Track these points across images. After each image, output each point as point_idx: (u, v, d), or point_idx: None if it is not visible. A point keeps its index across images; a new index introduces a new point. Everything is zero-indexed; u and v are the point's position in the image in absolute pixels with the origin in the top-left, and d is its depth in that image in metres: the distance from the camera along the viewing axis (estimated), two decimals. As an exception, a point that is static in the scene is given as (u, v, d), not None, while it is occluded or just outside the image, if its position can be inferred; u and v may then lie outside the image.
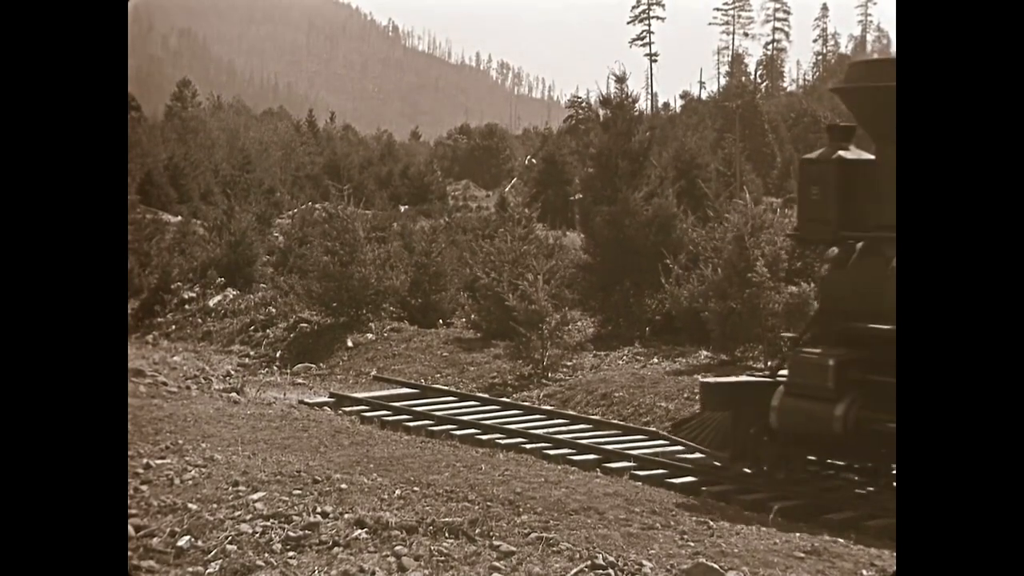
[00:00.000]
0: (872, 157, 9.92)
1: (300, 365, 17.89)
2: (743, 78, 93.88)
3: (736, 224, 15.43)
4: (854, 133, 10.20)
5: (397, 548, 6.10)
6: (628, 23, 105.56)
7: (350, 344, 18.38)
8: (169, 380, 15.22)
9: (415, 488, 7.72)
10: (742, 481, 9.61)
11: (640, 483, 9.15)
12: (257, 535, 6.27)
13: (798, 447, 9.77)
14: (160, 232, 29.22)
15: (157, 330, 22.15)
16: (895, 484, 8.77)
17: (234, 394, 14.60)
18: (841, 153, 9.89)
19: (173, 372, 16.79)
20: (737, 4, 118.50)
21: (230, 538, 6.22)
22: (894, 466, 9.19)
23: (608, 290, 18.23)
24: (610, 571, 5.88)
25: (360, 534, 6.30)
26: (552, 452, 10.88)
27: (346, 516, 6.61)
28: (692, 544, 6.71)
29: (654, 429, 12.13)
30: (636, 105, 20.29)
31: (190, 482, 7.58)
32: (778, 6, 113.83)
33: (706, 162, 37.24)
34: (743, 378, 11.06)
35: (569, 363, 16.12)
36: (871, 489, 9.64)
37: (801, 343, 9.93)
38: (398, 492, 7.49)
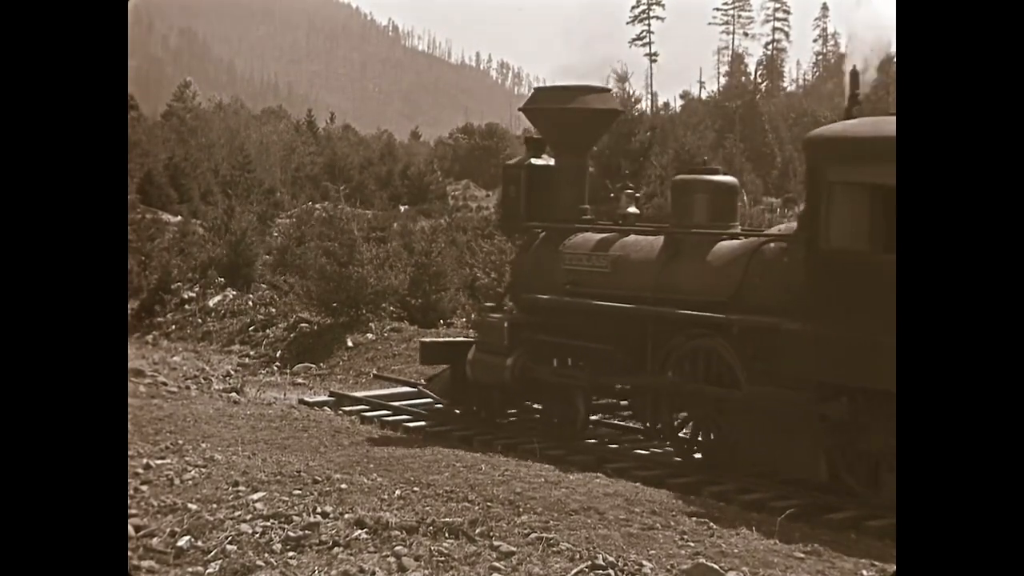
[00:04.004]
0: (553, 163, 12.02)
1: (300, 365, 17.87)
2: (743, 78, 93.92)
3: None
4: (545, 144, 12.26)
5: (397, 548, 6.09)
6: (628, 23, 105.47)
7: (350, 344, 18.36)
8: (169, 380, 15.22)
9: (415, 488, 7.72)
10: (742, 481, 9.65)
11: (639, 483, 9.16)
12: (257, 535, 6.27)
13: (491, 393, 11.80)
14: (160, 232, 29.18)
15: (157, 330, 22.13)
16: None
17: (234, 394, 14.59)
18: (531, 160, 12.13)
19: (173, 372, 16.78)
20: (737, 4, 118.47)
21: (230, 538, 6.22)
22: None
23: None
24: (610, 571, 5.88)
25: (360, 534, 6.30)
26: (552, 451, 10.88)
27: (346, 516, 6.61)
28: (692, 544, 6.70)
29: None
30: (638, 106, 20.30)
31: (190, 482, 7.58)
32: (778, 6, 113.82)
33: (705, 162, 37.13)
34: (456, 339, 13.87)
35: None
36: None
37: (491, 310, 12.25)
38: (398, 492, 7.49)
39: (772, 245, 9.55)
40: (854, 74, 9.33)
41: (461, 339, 13.37)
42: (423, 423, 12.25)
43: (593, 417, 11.65)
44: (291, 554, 6.04)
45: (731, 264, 9.72)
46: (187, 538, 6.26)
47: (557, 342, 11.24)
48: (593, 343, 10.82)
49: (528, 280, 11.76)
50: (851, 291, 8.41)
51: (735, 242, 9.99)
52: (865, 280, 8.28)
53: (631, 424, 11.85)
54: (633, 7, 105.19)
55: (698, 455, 10.14)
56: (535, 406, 11.92)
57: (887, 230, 8.09)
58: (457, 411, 12.31)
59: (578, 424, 11.10)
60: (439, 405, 12.61)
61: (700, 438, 10.09)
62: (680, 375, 10.02)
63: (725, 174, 11.06)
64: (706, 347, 9.77)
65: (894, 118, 8.66)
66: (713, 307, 9.67)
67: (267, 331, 20.21)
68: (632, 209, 11.56)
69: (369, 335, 18.56)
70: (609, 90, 12.40)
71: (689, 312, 9.83)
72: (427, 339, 14.12)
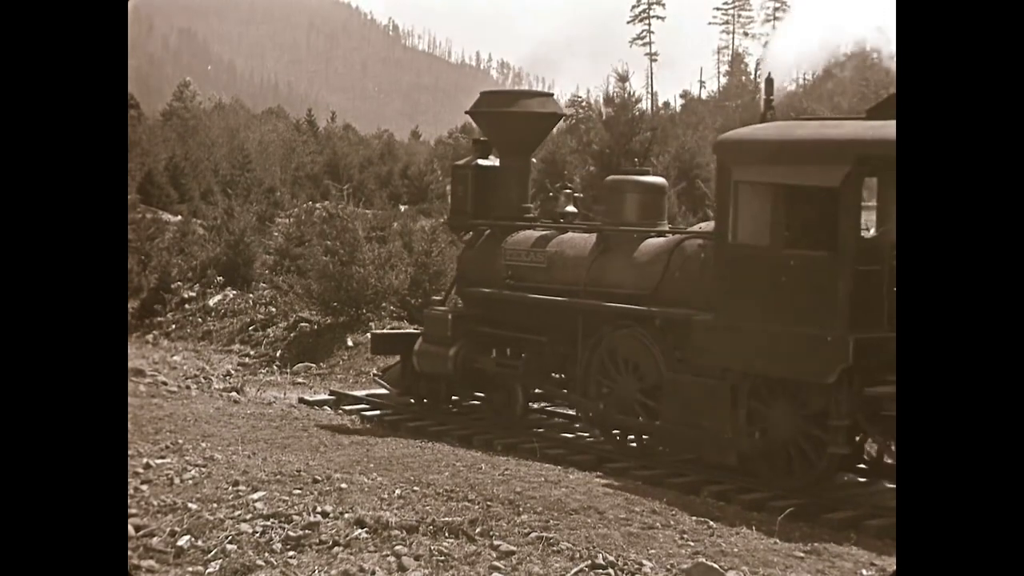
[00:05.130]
0: (498, 164, 12.52)
1: (300, 364, 17.84)
2: (743, 78, 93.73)
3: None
4: (492, 145, 12.75)
5: (397, 548, 6.10)
6: (628, 23, 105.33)
7: (350, 343, 18.34)
8: (169, 379, 15.21)
9: (415, 488, 7.72)
10: (741, 481, 9.67)
11: (639, 483, 9.17)
12: (257, 535, 6.27)
13: (438, 382, 12.37)
14: (160, 232, 29.11)
15: (157, 329, 22.10)
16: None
17: (234, 393, 14.59)
18: (478, 161, 12.63)
19: (173, 371, 16.77)
20: (737, 4, 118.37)
21: (230, 538, 6.23)
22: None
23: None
24: (610, 571, 5.88)
25: (360, 533, 6.31)
26: (552, 451, 10.88)
27: (346, 516, 6.61)
28: (692, 543, 6.71)
29: None
30: (638, 105, 20.28)
31: (190, 482, 7.58)
32: (778, 6, 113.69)
33: (706, 162, 37.05)
34: (406, 330, 14.62)
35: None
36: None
37: (438, 303, 12.84)
38: (398, 492, 7.50)
39: (692, 241, 10.18)
40: (769, 81, 9.87)
41: (410, 331, 14.02)
42: (372, 409, 12.95)
43: (534, 405, 12.29)
44: (291, 553, 6.04)
45: (655, 259, 10.36)
46: (187, 538, 6.26)
47: (498, 333, 11.88)
48: (530, 334, 11.45)
49: (472, 275, 12.33)
50: (754, 284, 8.98)
51: (660, 239, 10.61)
52: (766, 273, 8.85)
53: (570, 412, 12.31)
54: (633, 7, 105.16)
55: (631, 440, 10.66)
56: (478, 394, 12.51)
57: (787, 227, 8.80)
58: (411, 400, 12.82)
59: (517, 411, 11.69)
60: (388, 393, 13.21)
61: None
62: (603, 369, 10.61)
63: (655, 175, 11.72)
64: (628, 337, 10.39)
65: (798, 123, 9.57)
66: (638, 300, 10.31)
67: (267, 331, 20.17)
68: (570, 208, 12.08)
69: (369, 334, 18.53)
70: (551, 94, 13.00)
71: (616, 305, 10.46)
72: (377, 331, 15.11)
